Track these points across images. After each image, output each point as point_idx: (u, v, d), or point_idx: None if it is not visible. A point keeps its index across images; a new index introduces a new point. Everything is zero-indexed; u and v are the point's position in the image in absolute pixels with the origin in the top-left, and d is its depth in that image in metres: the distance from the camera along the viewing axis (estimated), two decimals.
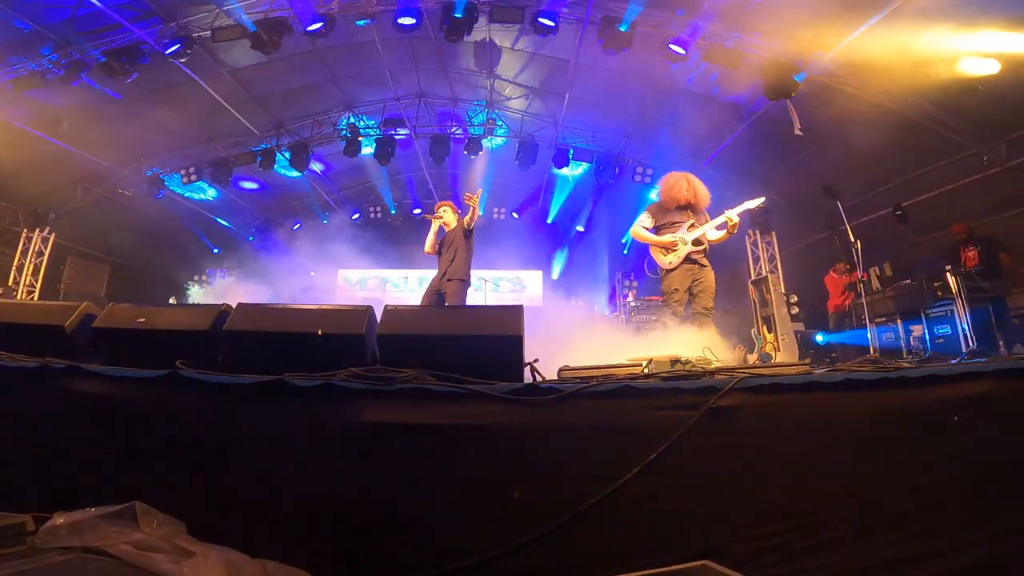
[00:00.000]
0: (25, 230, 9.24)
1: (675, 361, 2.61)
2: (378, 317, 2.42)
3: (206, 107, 9.11)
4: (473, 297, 11.78)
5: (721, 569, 1.69)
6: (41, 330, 2.75)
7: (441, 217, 5.79)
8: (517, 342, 2.18)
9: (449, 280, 5.56)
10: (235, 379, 2.00)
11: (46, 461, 2.10)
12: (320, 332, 2.33)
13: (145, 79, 7.76)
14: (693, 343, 3.90)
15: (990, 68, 6.02)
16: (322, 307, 2.48)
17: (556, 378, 2.55)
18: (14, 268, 9.02)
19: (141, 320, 2.55)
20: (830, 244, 8.21)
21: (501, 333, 2.18)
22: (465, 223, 5.59)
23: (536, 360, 2.54)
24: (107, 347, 2.63)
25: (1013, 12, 5.52)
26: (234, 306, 2.54)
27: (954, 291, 5.96)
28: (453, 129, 10.43)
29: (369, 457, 1.86)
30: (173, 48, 7.27)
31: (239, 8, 7.17)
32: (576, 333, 7.48)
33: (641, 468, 1.86)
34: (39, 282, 9.29)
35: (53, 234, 9.51)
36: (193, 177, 10.02)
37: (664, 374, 2.19)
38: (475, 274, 11.73)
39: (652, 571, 1.72)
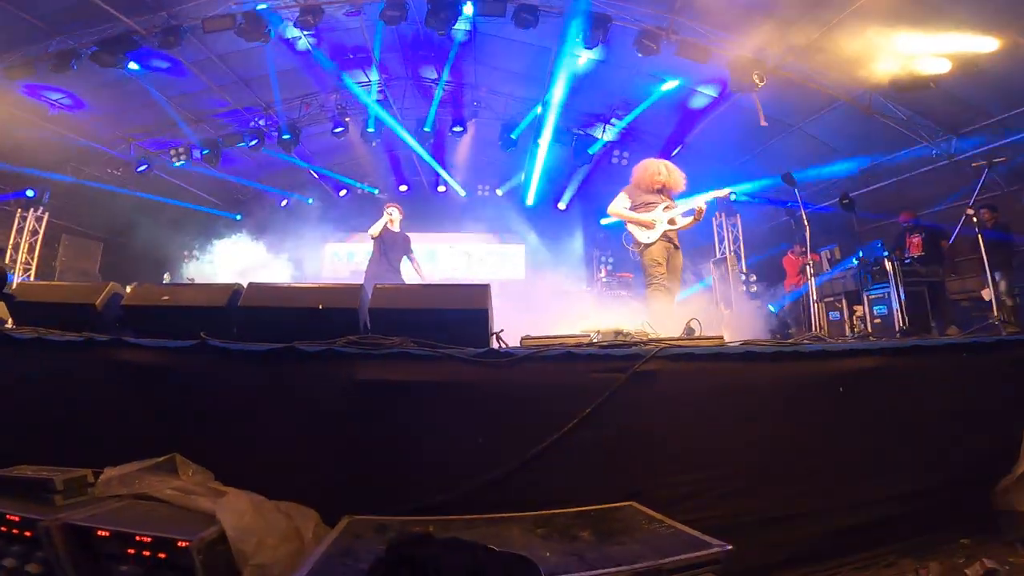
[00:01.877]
0: (19, 210, 9.43)
1: (619, 333, 3.11)
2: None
3: (196, 91, 9.32)
4: (459, 270, 12.22)
5: (644, 509, 2.10)
6: (74, 308, 3.12)
7: (391, 217, 6.69)
8: (484, 314, 2.66)
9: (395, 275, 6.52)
10: (254, 347, 2.41)
11: (96, 421, 2.40)
12: (320, 306, 2.78)
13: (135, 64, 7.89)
14: (654, 316, 4.34)
15: (942, 67, 6.47)
16: (321, 285, 2.94)
17: (518, 345, 3.04)
18: (10, 247, 9.23)
19: (165, 298, 2.98)
20: (791, 228, 8.81)
21: (470, 307, 2.66)
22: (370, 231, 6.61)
23: (502, 330, 3.01)
24: (134, 322, 2.99)
25: (964, 14, 5.94)
26: (245, 285, 2.97)
27: (890, 275, 6.54)
28: (439, 108, 10.69)
29: (363, 408, 2.31)
30: (164, 39, 7.44)
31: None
32: (552, 305, 8.03)
33: (579, 420, 2.32)
34: (35, 260, 9.52)
35: (47, 214, 9.71)
36: (183, 157, 10.22)
37: (601, 344, 2.68)
38: (461, 248, 12.13)
39: (586, 508, 2.16)
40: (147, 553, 1.55)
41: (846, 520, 2.53)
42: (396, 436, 2.32)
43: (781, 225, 9.21)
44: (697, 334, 3.12)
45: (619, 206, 4.85)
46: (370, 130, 10.72)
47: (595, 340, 3.07)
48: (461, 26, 7.83)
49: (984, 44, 5.97)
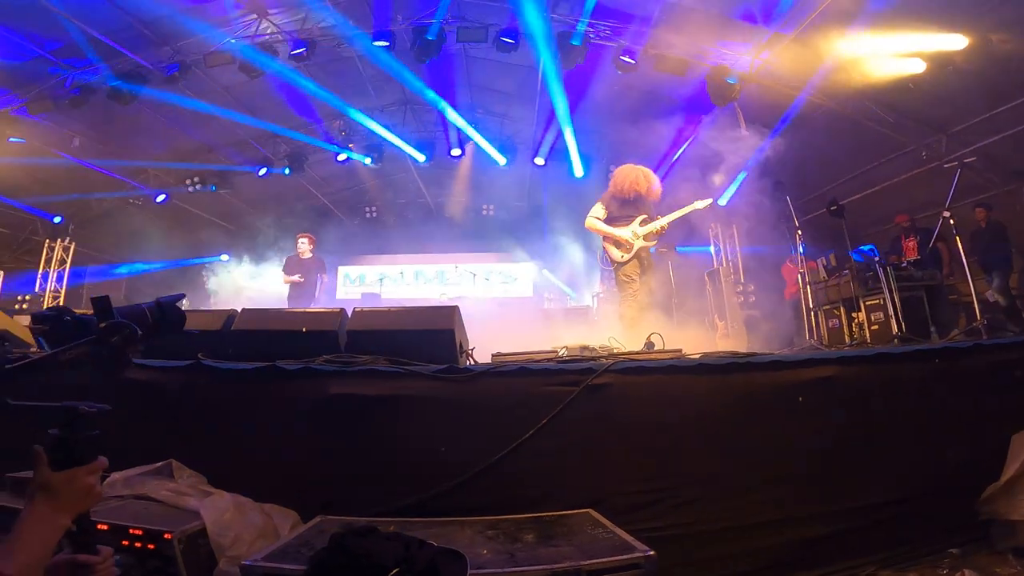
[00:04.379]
0: (47, 240, 10.01)
1: (584, 348, 3.32)
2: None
3: (205, 121, 9.84)
4: (465, 290, 12.51)
5: (598, 517, 2.21)
6: None
7: (294, 279, 7.70)
8: (450, 333, 2.89)
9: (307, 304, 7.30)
10: (241, 365, 2.69)
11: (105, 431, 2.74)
12: (304, 329, 3.06)
13: (147, 97, 8.40)
14: (632, 330, 4.48)
15: (916, 67, 6.53)
16: (305, 310, 3.22)
17: (489, 361, 3.25)
18: (39, 276, 9.80)
19: None
20: (787, 237, 8.86)
21: (437, 328, 2.90)
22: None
23: (473, 348, 3.25)
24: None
25: (924, 12, 6.02)
26: (239, 311, 3.27)
27: (883, 281, 6.57)
28: (437, 132, 11.09)
29: (336, 420, 2.55)
30: (171, 72, 7.96)
31: (226, 35, 7.84)
32: (550, 322, 8.20)
33: (534, 431, 2.48)
34: (63, 288, 10.08)
35: (73, 243, 10.29)
36: (197, 185, 10.75)
37: (558, 359, 2.89)
38: (465, 268, 12.43)
39: (542, 514, 2.29)
40: (138, 544, 1.81)
41: (816, 530, 2.53)
42: (367, 445, 2.53)
43: (779, 234, 9.27)
44: (657, 348, 3.30)
45: (596, 220, 4.89)
46: (366, 160, 11.09)
47: (562, 355, 3.29)
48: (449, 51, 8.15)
49: (953, 42, 6.03)
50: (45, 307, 9.52)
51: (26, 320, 7.87)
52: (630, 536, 1.93)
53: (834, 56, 6.66)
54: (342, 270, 14.83)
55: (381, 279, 14.34)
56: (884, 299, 6.85)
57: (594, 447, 2.58)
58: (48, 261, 10.02)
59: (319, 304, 7.53)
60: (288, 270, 7.84)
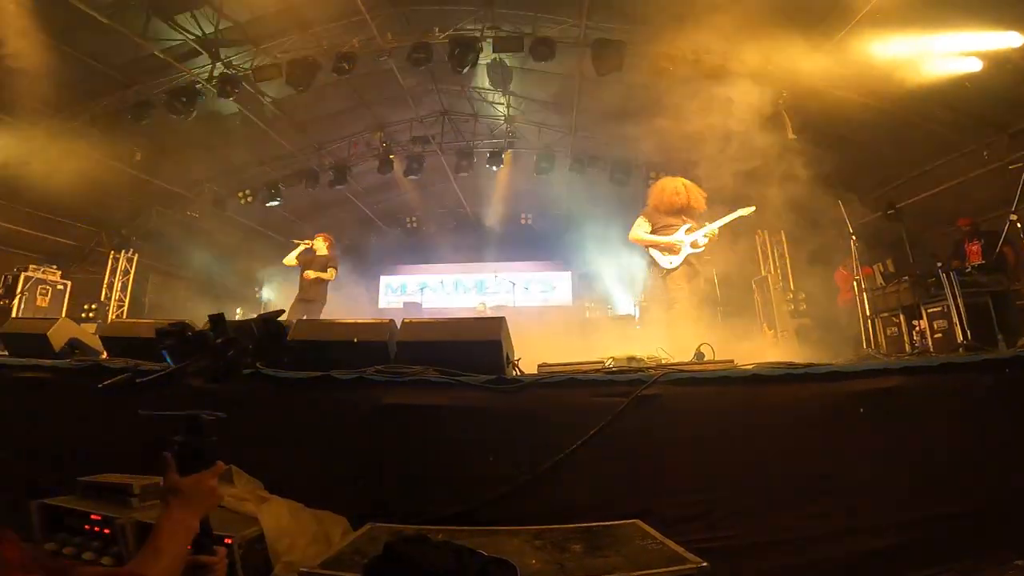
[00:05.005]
0: (112, 252, 10.66)
1: (631, 359, 3.27)
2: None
3: (254, 134, 10.30)
4: (505, 298, 12.59)
5: (646, 527, 2.16)
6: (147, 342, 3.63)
7: (310, 243, 7.29)
8: (497, 345, 2.90)
9: (313, 302, 7.05)
10: (297, 375, 2.78)
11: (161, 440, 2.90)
12: (356, 340, 3.13)
13: (201, 111, 8.82)
14: (681, 340, 4.39)
15: (973, 66, 6.24)
16: (357, 321, 3.29)
17: (535, 372, 3.26)
18: (104, 286, 10.44)
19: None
20: (839, 242, 8.52)
21: (485, 339, 2.91)
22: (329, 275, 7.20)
23: (519, 358, 3.26)
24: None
25: (978, 10, 5.79)
26: (294, 322, 3.38)
27: (946, 287, 6.22)
28: (475, 143, 11.22)
29: (387, 429, 2.61)
30: (223, 87, 8.36)
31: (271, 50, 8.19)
32: (593, 331, 8.14)
33: (583, 441, 2.49)
34: (127, 298, 10.70)
35: (137, 254, 10.92)
36: (249, 198, 11.23)
37: (606, 370, 2.86)
38: (505, 277, 12.52)
39: (591, 524, 2.27)
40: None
41: (877, 542, 2.46)
42: (416, 454, 2.58)
43: (830, 240, 8.94)
44: (707, 359, 3.22)
45: (640, 232, 4.86)
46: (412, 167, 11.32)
47: (609, 366, 3.25)
48: (484, 61, 8.25)
49: (1009, 40, 5.79)
50: (111, 319, 10.13)
51: (92, 328, 8.41)
52: (681, 547, 1.89)
53: (884, 56, 6.42)
54: (384, 280, 15.20)
55: (422, 288, 14.59)
56: (947, 306, 6.51)
57: (642, 458, 2.56)
58: (112, 272, 10.64)
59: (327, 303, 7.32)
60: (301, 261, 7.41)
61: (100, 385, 1.10)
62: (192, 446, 1.13)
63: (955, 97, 6.77)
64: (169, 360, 1.24)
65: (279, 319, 1.39)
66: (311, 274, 7.06)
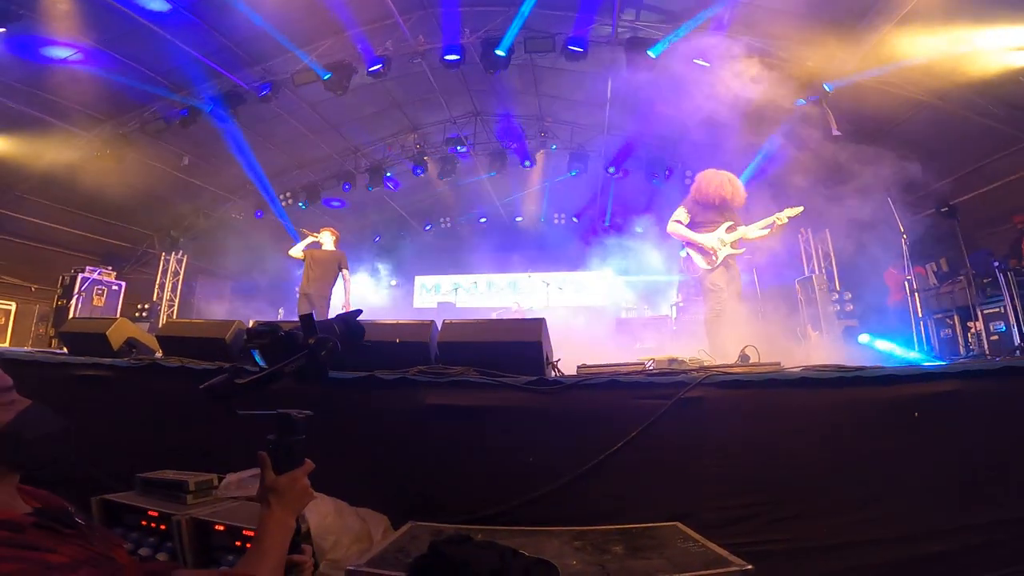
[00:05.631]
0: (163, 253, 11.16)
1: (672, 360, 3.22)
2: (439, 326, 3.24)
3: (294, 137, 10.58)
4: (538, 299, 12.59)
5: (686, 530, 2.17)
6: (208, 342, 3.75)
7: (317, 236, 7.04)
8: (538, 346, 2.90)
9: (320, 296, 6.78)
10: (341, 375, 2.83)
11: (221, 434, 2.67)
12: (398, 340, 3.18)
13: (243, 116, 9.18)
14: (720, 341, 4.30)
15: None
16: (398, 322, 3.34)
17: (575, 373, 3.24)
18: (156, 286, 10.94)
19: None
20: (889, 240, 8.18)
21: (525, 340, 2.92)
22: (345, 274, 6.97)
23: (559, 359, 3.25)
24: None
25: None
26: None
27: (1003, 287, 5.91)
28: (508, 143, 11.25)
29: (430, 429, 2.65)
30: (264, 92, 8.63)
31: (304, 55, 8.39)
32: (629, 332, 8.05)
33: (624, 443, 2.48)
34: (177, 298, 11.18)
35: (186, 256, 11.40)
36: (290, 201, 11.57)
37: (648, 372, 2.83)
38: (538, 277, 12.52)
39: (629, 525, 2.28)
40: (250, 545, 1.93)
41: (931, 547, 2.41)
42: (457, 454, 2.62)
43: (876, 238, 8.58)
44: (752, 361, 3.15)
45: (679, 225, 4.71)
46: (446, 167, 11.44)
47: (649, 368, 3.21)
48: (516, 63, 8.24)
49: None
50: (163, 319, 10.60)
51: (146, 326, 8.82)
52: (724, 550, 1.87)
53: (933, 52, 6.14)
54: (418, 280, 15.40)
55: (455, 289, 14.70)
56: (1005, 307, 6.21)
57: (684, 460, 2.53)
58: (164, 272, 11.14)
59: (336, 301, 7.03)
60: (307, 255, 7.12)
61: (201, 386, 1.14)
62: (286, 445, 1.17)
63: (1008, 92, 6.43)
64: (260, 360, 1.27)
65: (358, 319, 1.42)
66: (296, 253, 7.03)
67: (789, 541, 2.38)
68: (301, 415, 1.20)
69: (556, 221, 14.10)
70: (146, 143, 9.09)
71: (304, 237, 7.09)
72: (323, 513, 2.27)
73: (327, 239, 7.07)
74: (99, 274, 9.87)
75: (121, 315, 8.33)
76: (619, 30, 7.44)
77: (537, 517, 2.37)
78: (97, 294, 9.79)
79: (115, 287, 10.09)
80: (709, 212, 4.68)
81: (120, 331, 4.16)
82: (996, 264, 6.05)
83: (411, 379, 2.73)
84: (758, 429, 2.56)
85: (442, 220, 14.76)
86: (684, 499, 2.45)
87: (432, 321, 3.20)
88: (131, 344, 4.13)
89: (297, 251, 7.07)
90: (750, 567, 1.67)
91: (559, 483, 2.46)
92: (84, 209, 9.80)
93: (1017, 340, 5.92)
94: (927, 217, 7.92)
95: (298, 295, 6.93)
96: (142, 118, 8.91)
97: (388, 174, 11.88)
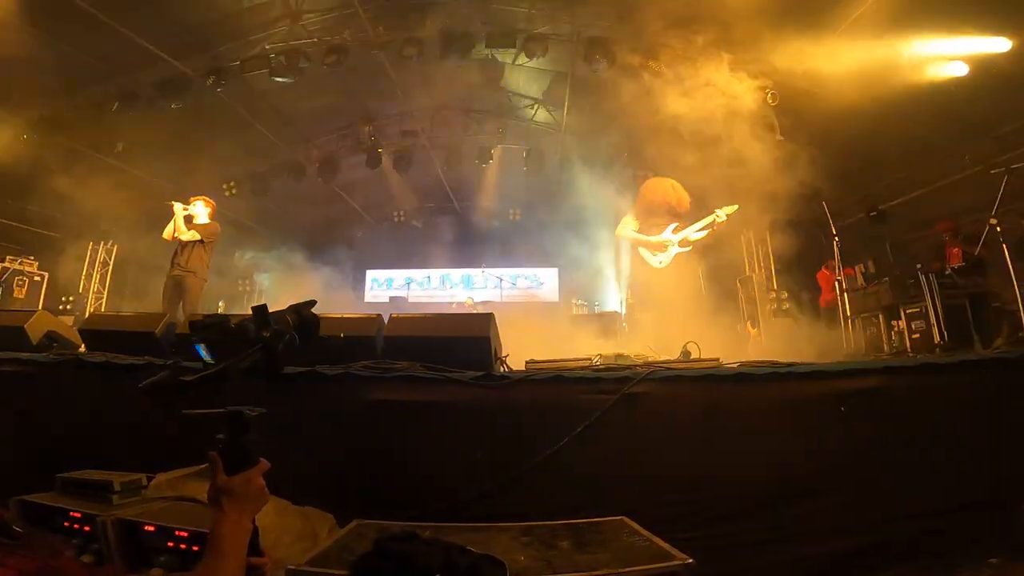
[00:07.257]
0: (91, 243, 10.41)
1: (619, 356, 3.29)
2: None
3: (242, 126, 10.11)
4: (491, 294, 12.53)
5: (632, 524, 2.19)
6: (136, 336, 3.58)
7: (188, 208, 6.03)
8: (485, 341, 2.90)
9: (189, 272, 5.94)
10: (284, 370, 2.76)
11: (150, 432, 2.61)
12: (342, 335, 3.10)
13: (187, 103, 8.66)
14: (667, 337, 4.42)
15: (958, 70, 6.40)
16: (344, 315, 3.26)
17: (523, 368, 3.26)
18: (83, 277, 10.19)
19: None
20: (823, 242, 8.65)
21: (473, 335, 2.91)
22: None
23: (507, 355, 3.27)
24: (187, 348, 3.43)
25: (967, 15, 5.91)
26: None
27: (924, 289, 6.34)
28: (465, 138, 11.15)
29: (375, 425, 2.61)
30: (211, 78, 8.22)
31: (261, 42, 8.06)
32: (579, 328, 8.13)
33: (570, 438, 2.52)
34: (106, 290, 10.45)
35: (116, 246, 10.67)
36: (234, 191, 11.04)
37: (593, 367, 2.88)
38: (492, 272, 12.43)
39: (577, 520, 2.29)
40: (183, 546, 1.85)
41: (856, 541, 2.53)
42: (403, 450, 2.59)
43: (813, 240, 9.07)
44: (693, 356, 3.25)
45: (627, 230, 4.90)
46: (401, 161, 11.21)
47: (597, 363, 3.27)
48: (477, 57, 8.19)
49: (996, 45, 5.92)
50: (89, 311, 9.90)
51: (71, 320, 8.21)
52: (667, 544, 1.91)
53: (872, 59, 6.51)
54: (370, 274, 15.06)
55: (408, 283, 14.48)
56: (925, 307, 6.65)
57: (629, 456, 2.59)
58: (92, 263, 10.40)
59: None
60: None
61: (140, 385, 1.05)
62: (240, 444, 1.10)
63: (940, 101, 6.89)
64: (204, 355, 1.18)
65: (312, 310, 1.34)
66: (184, 234, 5.89)
67: (727, 536, 2.47)
68: (254, 413, 1.13)
69: (511, 217, 14.10)
70: (78, 128, 8.49)
71: (173, 215, 5.98)
72: (262, 512, 2.17)
73: (200, 211, 6.09)
74: (20, 263, 9.13)
75: (44, 307, 7.73)
76: (580, 28, 7.51)
77: (486, 514, 2.38)
78: (18, 285, 9.09)
79: (37, 278, 9.36)
80: (655, 217, 4.87)
81: (40, 324, 3.89)
82: (918, 267, 6.48)
83: (356, 374, 2.67)
84: (698, 424, 2.66)
85: (395, 213, 14.49)
86: (631, 494, 2.50)
87: (379, 315, 3.15)
88: (51, 338, 3.87)
89: (172, 231, 5.97)
90: (691, 561, 1.71)
91: (507, 479, 2.48)
92: (6, 195, 9.04)
93: (936, 339, 6.36)
94: (859, 221, 8.41)
95: (167, 279, 6.04)
96: (76, 102, 8.33)
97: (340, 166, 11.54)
